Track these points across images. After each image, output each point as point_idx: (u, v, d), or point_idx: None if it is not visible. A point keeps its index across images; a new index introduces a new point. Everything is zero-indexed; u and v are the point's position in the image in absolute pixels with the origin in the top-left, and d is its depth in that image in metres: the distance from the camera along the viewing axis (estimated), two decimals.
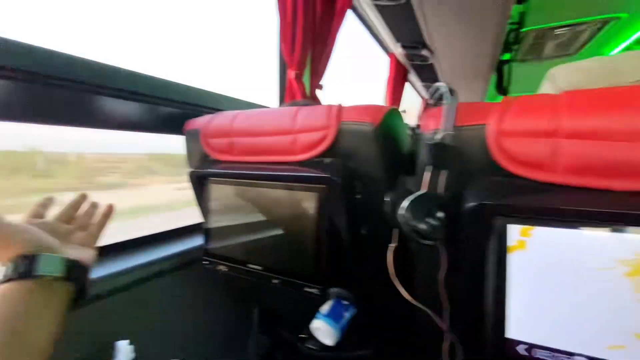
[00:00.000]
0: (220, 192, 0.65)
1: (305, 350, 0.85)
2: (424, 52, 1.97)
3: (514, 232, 0.37)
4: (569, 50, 2.43)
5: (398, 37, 1.86)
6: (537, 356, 0.35)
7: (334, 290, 0.69)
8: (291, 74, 1.24)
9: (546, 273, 0.35)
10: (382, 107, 0.54)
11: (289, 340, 0.88)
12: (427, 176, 0.42)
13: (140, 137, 0.77)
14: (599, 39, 2.25)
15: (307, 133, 0.55)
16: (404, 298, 0.51)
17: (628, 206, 0.32)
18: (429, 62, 2.15)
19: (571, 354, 0.34)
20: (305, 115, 0.56)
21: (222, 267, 0.66)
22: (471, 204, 0.38)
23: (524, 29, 1.93)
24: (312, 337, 0.67)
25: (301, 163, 0.56)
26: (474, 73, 2.37)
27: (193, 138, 0.72)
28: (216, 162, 0.67)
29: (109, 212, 0.48)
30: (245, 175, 0.60)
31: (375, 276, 0.57)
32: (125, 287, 0.65)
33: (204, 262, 0.68)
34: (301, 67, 1.24)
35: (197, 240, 0.79)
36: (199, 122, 0.71)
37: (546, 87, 0.49)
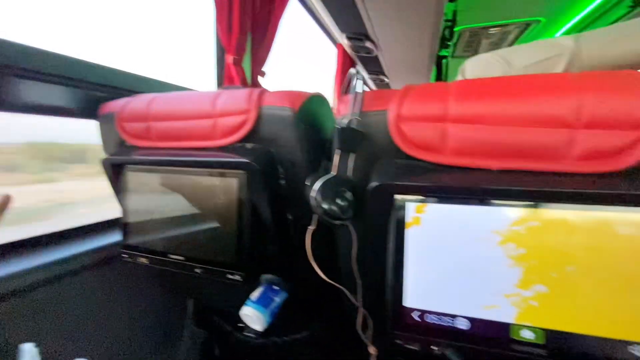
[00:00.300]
0: (138, 181, 0.61)
1: (243, 339, 0.85)
2: (368, 45, 2.02)
3: (411, 209, 0.40)
4: (500, 48, 2.68)
5: (343, 28, 1.88)
6: (428, 320, 0.39)
7: (265, 276, 0.69)
8: (229, 58, 1.20)
9: (436, 245, 0.39)
10: (303, 92, 0.54)
11: (226, 331, 0.87)
12: (336, 159, 0.44)
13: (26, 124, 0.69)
14: (523, 40, 2.50)
15: (227, 117, 0.54)
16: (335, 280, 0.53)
17: (502, 183, 0.36)
18: (374, 54, 2.21)
19: (454, 316, 0.38)
20: (225, 99, 0.55)
21: (142, 260, 0.62)
22: (372, 184, 0.40)
23: (458, 27, 2.07)
24: (249, 326, 0.67)
25: (222, 148, 0.55)
26: (416, 67, 2.49)
27: (107, 123, 0.66)
28: (133, 148, 0.63)
29: (5, 203, 0.42)
30: (162, 161, 0.57)
31: (305, 260, 0.58)
32: (30, 288, 0.59)
33: (123, 256, 0.64)
34: (240, 52, 1.20)
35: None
36: (114, 106, 0.65)
37: (458, 79, 0.53)
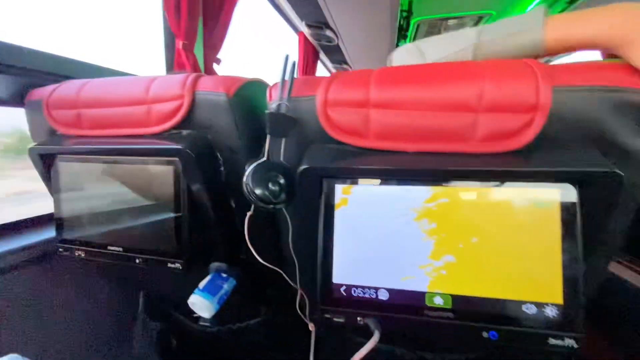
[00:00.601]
0: (70, 171, 0.58)
1: (198, 328, 0.85)
2: (329, 33, 2.02)
3: (338, 191, 0.42)
4: None
5: (302, 16, 1.86)
6: (353, 294, 0.41)
7: (213, 264, 0.70)
8: (179, 43, 1.15)
9: (361, 224, 0.41)
10: (240, 78, 0.54)
11: (181, 322, 0.86)
12: (267, 145, 0.44)
13: None
14: None
15: (161, 103, 0.52)
16: (277, 263, 0.54)
17: (416, 165, 0.39)
18: (335, 43, 2.22)
19: (377, 288, 0.41)
20: (159, 85, 0.53)
21: (80, 253, 0.60)
22: (301, 168, 0.41)
23: (415, 18, 2.12)
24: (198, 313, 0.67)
25: (157, 135, 0.54)
26: (377, 56, 2.53)
27: (35, 110, 0.62)
28: (63, 137, 0.59)
29: None
30: (94, 151, 0.54)
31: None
32: None
33: (59, 250, 0.61)
34: (190, 37, 1.16)
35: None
36: (42, 92, 0.61)
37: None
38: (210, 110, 0.52)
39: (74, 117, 0.57)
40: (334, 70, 3.06)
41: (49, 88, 0.61)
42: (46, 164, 0.59)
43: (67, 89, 0.59)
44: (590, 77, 0.35)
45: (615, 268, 0.73)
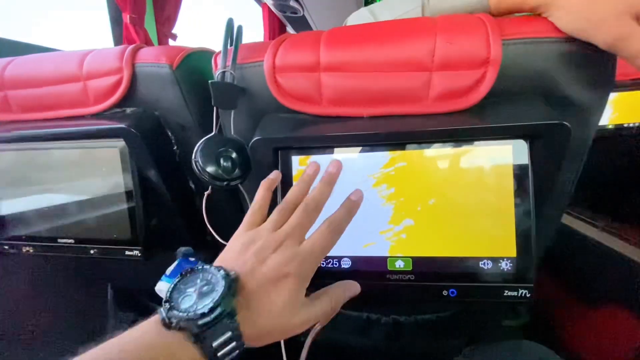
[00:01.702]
0: (5, 162, 0.53)
1: None
2: (293, 4, 1.92)
3: (295, 162, 0.41)
4: None
5: None
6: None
7: (180, 249, 0.67)
8: (126, 17, 1.05)
9: None
10: (183, 47, 0.49)
11: (155, 309, 0.84)
12: (215, 118, 0.42)
13: None
14: None
15: (97, 79, 0.47)
16: None
17: (371, 129, 0.38)
18: (301, 14, 2.13)
19: (340, 257, 0.40)
20: (93, 58, 0.48)
21: (28, 249, 0.55)
22: (254, 140, 0.39)
23: None
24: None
25: (98, 115, 0.49)
26: None
27: None
28: None
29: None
30: (27, 137, 0.49)
31: (215, 228, 0.57)
32: None
33: (4, 248, 0.56)
34: (137, 9, 1.06)
35: None
36: None
37: None
38: (154, 84, 0.47)
39: (0, 100, 0.51)
40: None
41: None
42: None
43: None
44: (537, 29, 0.34)
45: (565, 219, 0.78)
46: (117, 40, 1.11)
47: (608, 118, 0.88)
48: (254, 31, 2.26)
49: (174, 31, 1.29)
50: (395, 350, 0.74)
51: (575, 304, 0.79)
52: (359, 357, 0.79)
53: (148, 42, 1.11)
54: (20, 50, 0.70)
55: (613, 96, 0.88)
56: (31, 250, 0.55)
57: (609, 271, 0.68)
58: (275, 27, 2.26)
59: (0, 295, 0.66)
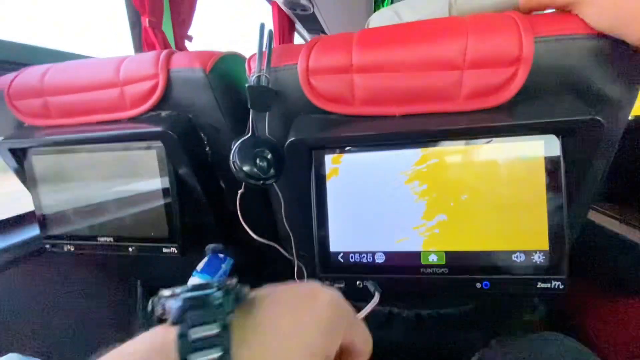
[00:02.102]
0: (46, 165, 0.55)
1: None
2: (303, 1, 1.93)
3: (328, 161, 0.42)
4: None
5: None
6: (351, 260, 0.42)
7: (209, 246, 0.69)
8: (145, 21, 1.08)
9: (353, 192, 0.41)
10: (215, 52, 0.51)
11: None
12: (251, 120, 0.43)
13: None
14: None
15: (134, 84, 0.49)
16: (273, 238, 0.54)
17: (403, 127, 0.39)
18: (311, 11, 2.12)
19: (374, 252, 0.42)
20: (129, 65, 0.50)
21: (69, 248, 0.58)
22: (289, 141, 0.40)
23: None
24: None
25: (135, 119, 0.51)
26: (355, 24, 2.45)
27: None
28: (33, 129, 0.56)
29: None
30: (68, 141, 0.52)
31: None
32: None
33: (46, 247, 0.59)
34: (156, 13, 1.08)
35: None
36: (0, 82, 0.57)
37: None
38: (188, 88, 0.49)
39: (40, 106, 0.54)
40: None
41: (7, 77, 0.56)
42: (18, 158, 0.56)
43: (29, 76, 0.54)
44: (569, 26, 0.35)
45: (592, 215, 0.77)
46: (137, 44, 1.14)
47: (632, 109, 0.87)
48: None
49: (189, 32, 1.32)
50: (417, 344, 0.76)
51: (601, 298, 0.79)
52: (382, 352, 0.80)
53: (166, 45, 1.13)
54: (54, 58, 0.73)
55: None
56: (72, 249, 0.58)
57: (632, 265, 0.68)
58: (284, 25, 2.27)
59: (41, 290, 0.69)
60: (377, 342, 0.68)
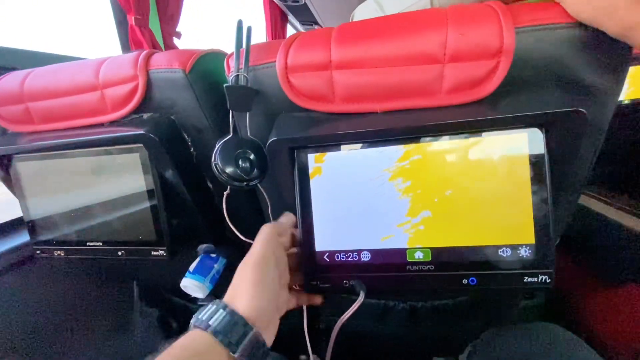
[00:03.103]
0: (31, 171, 0.55)
1: (197, 308, 0.87)
2: None
3: (311, 160, 0.41)
4: None
5: None
6: (336, 259, 0.42)
7: (201, 246, 0.69)
8: (131, 19, 1.06)
9: (337, 190, 0.41)
10: (195, 50, 0.50)
11: (180, 304, 0.88)
12: (232, 120, 0.42)
13: None
14: None
15: (114, 87, 0.49)
16: None
17: (385, 124, 0.38)
18: (302, 2, 2.09)
19: (359, 251, 0.41)
20: (108, 67, 0.49)
21: (59, 253, 0.58)
22: (270, 141, 0.40)
23: None
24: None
25: (116, 122, 0.50)
26: (348, 12, 2.40)
27: None
28: (15, 135, 0.55)
29: None
30: (51, 146, 0.51)
31: (234, 224, 0.58)
32: None
33: (36, 253, 0.59)
34: (142, 10, 1.06)
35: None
36: None
37: None
38: (169, 89, 0.48)
39: (22, 112, 0.53)
40: None
41: None
42: (3, 165, 0.55)
43: (9, 82, 0.54)
44: (550, 15, 0.34)
45: (582, 199, 0.77)
46: (124, 42, 1.12)
47: (624, 93, 0.85)
48: (256, 21, 2.24)
49: (177, 29, 1.30)
50: (412, 335, 0.76)
51: (594, 283, 0.79)
52: (377, 344, 0.81)
53: (154, 43, 1.11)
54: (39, 61, 0.72)
55: (629, 70, 0.85)
56: (62, 254, 0.58)
57: (626, 250, 0.68)
58: (276, 17, 2.24)
59: (35, 296, 0.70)
60: (373, 334, 0.68)
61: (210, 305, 0.31)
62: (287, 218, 0.44)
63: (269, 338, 0.32)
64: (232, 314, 0.30)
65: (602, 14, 0.31)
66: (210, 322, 0.29)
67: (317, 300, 0.44)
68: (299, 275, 0.43)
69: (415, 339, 0.78)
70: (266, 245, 0.36)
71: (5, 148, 0.53)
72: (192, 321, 0.30)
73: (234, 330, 0.29)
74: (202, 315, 0.30)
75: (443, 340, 0.79)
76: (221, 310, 0.30)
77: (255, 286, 0.32)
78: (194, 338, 0.29)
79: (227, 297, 0.32)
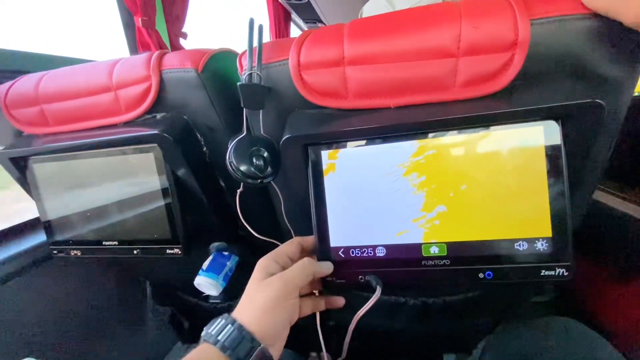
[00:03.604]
0: (47, 172, 0.56)
1: (208, 306, 0.87)
2: None
3: (324, 157, 0.42)
4: None
5: None
6: (352, 255, 0.42)
7: (213, 244, 0.70)
8: (138, 21, 1.06)
9: (351, 186, 0.41)
10: (207, 50, 0.50)
11: (191, 303, 0.89)
12: (245, 119, 0.43)
13: None
14: None
15: (127, 88, 0.49)
16: (275, 234, 0.54)
17: (399, 119, 0.38)
18: (306, 0, 2.08)
19: (374, 246, 0.42)
20: (121, 68, 0.50)
21: (75, 253, 0.59)
22: (284, 138, 0.40)
23: None
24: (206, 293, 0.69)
25: (131, 123, 0.51)
26: (352, 10, 2.40)
27: None
28: (31, 137, 0.56)
29: None
30: (66, 148, 0.52)
31: (247, 222, 0.59)
32: None
33: (53, 253, 0.60)
34: (148, 11, 1.07)
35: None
36: None
37: None
38: (182, 89, 0.49)
39: (37, 114, 0.54)
40: None
41: (4, 86, 0.57)
42: (19, 167, 0.56)
43: (24, 84, 0.55)
44: (564, 6, 0.33)
45: (597, 195, 0.76)
46: (131, 43, 1.13)
47: (637, 86, 0.84)
48: (259, 20, 2.24)
49: (183, 30, 1.30)
50: (424, 331, 0.76)
51: (605, 278, 0.78)
52: (388, 340, 0.81)
53: (161, 43, 1.12)
54: (52, 64, 0.73)
55: None
56: (79, 254, 0.59)
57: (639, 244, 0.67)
58: (280, 15, 2.23)
59: (51, 295, 0.71)
60: (384, 331, 0.69)
61: (219, 319, 0.32)
62: (328, 266, 0.42)
63: (276, 352, 0.33)
64: (240, 329, 0.31)
65: (617, 4, 0.30)
66: (219, 337, 0.30)
67: (340, 302, 0.44)
68: (318, 282, 0.43)
69: (426, 335, 0.78)
70: (300, 280, 0.36)
71: (21, 150, 0.54)
72: (202, 334, 0.32)
73: (240, 346, 0.30)
74: (211, 329, 0.31)
75: (454, 336, 0.79)
76: (229, 325, 0.31)
77: (272, 312, 0.33)
78: (204, 351, 0.30)
79: (237, 312, 0.33)
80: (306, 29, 2.82)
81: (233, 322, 0.31)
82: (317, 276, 0.39)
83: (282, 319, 0.34)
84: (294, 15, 2.43)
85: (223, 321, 0.32)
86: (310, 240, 0.43)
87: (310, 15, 2.45)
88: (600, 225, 0.76)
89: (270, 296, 0.33)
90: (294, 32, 2.69)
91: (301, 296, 0.39)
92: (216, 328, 0.31)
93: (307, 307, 0.41)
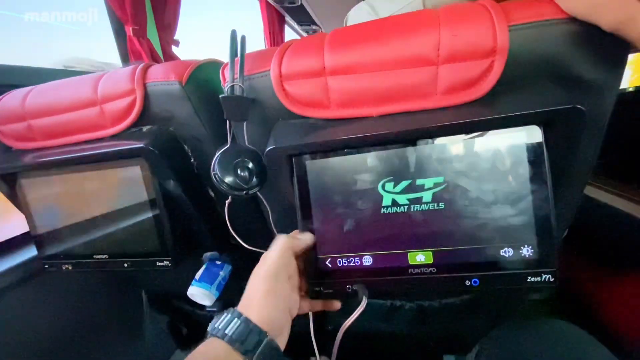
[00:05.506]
0: (36, 187, 0.56)
1: (205, 314, 0.87)
2: None
3: (309, 167, 0.41)
4: None
5: None
6: (339, 265, 0.42)
7: (206, 254, 0.70)
8: (129, 30, 1.07)
9: (336, 196, 0.41)
10: (191, 61, 0.50)
11: (189, 312, 0.89)
12: (229, 130, 0.43)
13: None
14: None
15: (112, 102, 0.49)
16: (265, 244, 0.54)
17: (381, 128, 0.38)
18: (299, 3, 2.09)
19: (361, 255, 0.41)
20: (106, 82, 0.50)
21: (67, 267, 0.59)
22: (268, 149, 0.40)
23: None
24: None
25: (117, 136, 0.51)
26: (347, 12, 2.40)
27: None
28: (19, 153, 0.56)
29: None
30: (53, 163, 0.52)
31: (238, 232, 0.59)
32: None
33: (45, 267, 0.60)
34: (140, 21, 1.07)
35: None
36: None
37: None
38: (166, 102, 0.49)
39: (24, 129, 0.54)
40: (304, 34, 2.91)
41: None
42: (8, 182, 0.56)
43: (11, 100, 0.55)
44: (542, 11, 0.33)
45: (588, 189, 0.76)
46: (122, 52, 1.13)
47: (628, 80, 0.84)
48: (254, 24, 2.24)
49: (175, 37, 1.30)
50: (420, 334, 0.76)
51: (603, 276, 0.78)
52: (385, 343, 0.81)
53: (152, 52, 1.12)
54: (38, 76, 0.73)
55: (632, 57, 0.84)
56: (70, 267, 0.59)
57: (635, 240, 0.67)
58: (274, 19, 2.24)
59: (47, 308, 0.71)
60: (381, 334, 0.68)
61: (225, 314, 0.32)
62: (306, 236, 0.42)
63: (282, 342, 0.34)
64: (247, 322, 0.31)
65: (595, 8, 0.30)
66: (226, 331, 0.31)
67: (336, 305, 0.44)
68: (304, 282, 0.43)
69: (423, 338, 0.78)
70: (280, 256, 0.37)
71: (9, 166, 0.54)
72: (209, 329, 0.32)
73: (249, 338, 0.30)
74: (218, 324, 0.32)
75: (451, 338, 0.79)
76: (236, 319, 0.32)
77: (268, 296, 0.34)
78: (213, 346, 0.30)
79: (241, 306, 0.34)
80: (302, 31, 2.83)
81: (239, 315, 0.32)
82: (299, 249, 0.40)
83: (282, 307, 0.34)
84: (288, 19, 2.44)
85: (229, 315, 0.32)
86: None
87: (304, 19, 2.45)
88: (597, 223, 0.76)
89: (261, 281, 0.34)
90: (290, 35, 2.69)
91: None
92: (223, 322, 0.32)
93: (305, 305, 0.42)
